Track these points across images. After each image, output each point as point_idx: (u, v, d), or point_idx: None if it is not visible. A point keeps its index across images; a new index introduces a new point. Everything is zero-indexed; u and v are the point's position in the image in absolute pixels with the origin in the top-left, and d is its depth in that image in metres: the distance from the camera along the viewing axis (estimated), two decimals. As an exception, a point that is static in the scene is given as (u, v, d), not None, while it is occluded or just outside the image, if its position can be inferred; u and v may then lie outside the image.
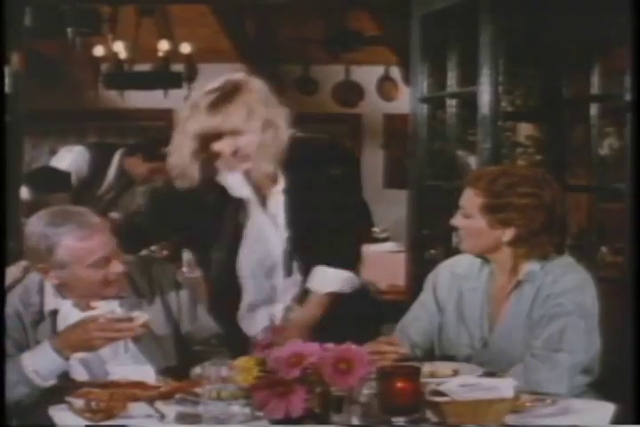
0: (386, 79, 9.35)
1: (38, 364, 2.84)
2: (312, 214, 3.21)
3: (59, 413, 2.60)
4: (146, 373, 2.88)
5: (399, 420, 2.41)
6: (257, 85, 3.15)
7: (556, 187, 2.97)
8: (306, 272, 3.26)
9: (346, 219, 3.25)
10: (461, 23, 4.31)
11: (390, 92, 9.31)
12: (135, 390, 2.60)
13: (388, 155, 9.23)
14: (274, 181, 3.21)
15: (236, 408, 2.45)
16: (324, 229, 3.20)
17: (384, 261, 5.60)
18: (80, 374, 2.95)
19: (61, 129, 8.74)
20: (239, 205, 3.24)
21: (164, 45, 7.59)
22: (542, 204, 2.91)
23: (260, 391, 2.39)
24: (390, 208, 5.54)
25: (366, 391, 2.45)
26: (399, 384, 2.39)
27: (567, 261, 3.00)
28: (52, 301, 3.02)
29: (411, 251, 4.57)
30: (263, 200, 3.25)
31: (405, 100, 4.89)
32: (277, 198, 3.23)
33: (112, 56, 7.61)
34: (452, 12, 4.33)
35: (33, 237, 2.96)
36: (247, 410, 2.45)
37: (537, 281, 2.94)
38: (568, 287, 2.89)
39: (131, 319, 2.81)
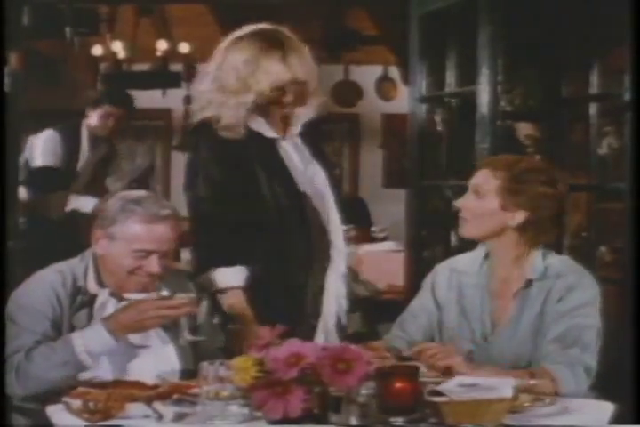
0: (385, 79, 9.35)
1: (90, 344, 2.85)
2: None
3: (56, 413, 2.59)
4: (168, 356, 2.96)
5: (398, 420, 2.40)
6: (291, 35, 3.44)
7: (565, 184, 3.05)
8: None
9: None
10: (460, 23, 4.31)
11: (389, 91, 9.31)
12: (133, 391, 2.59)
13: (387, 155, 9.23)
14: (288, 125, 3.46)
15: (234, 408, 2.44)
16: None
17: (383, 260, 5.60)
18: (104, 367, 2.94)
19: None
20: (273, 142, 3.42)
21: (162, 45, 7.59)
22: (556, 195, 2.97)
23: (258, 391, 2.39)
24: (389, 208, 5.55)
25: (365, 391, 2.44)
26: (398, 384, 2.39)
27: (568, 260, 3.04)
28: (93, 287, 3.03)
29: (410, 250, 4.57)
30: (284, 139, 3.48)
31: (404, 100, 4.88)
32: (295, 139, 3.46)
33: (110, 56, 7.61)
34: (450, 11, 4.33)
35: (110, 206, 3.01)
36: (245, 410, 2.45)
37: (546, 282, 2.95)
38: (588, 296, 2.93)
39: (179, 299, 2.86)
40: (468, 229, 3.02)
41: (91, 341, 2.85)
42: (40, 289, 2.99)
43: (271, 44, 3.34)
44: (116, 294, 3.02)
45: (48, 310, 2.95)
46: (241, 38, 3.36)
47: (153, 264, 2.96)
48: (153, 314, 2.85)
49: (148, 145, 9.70)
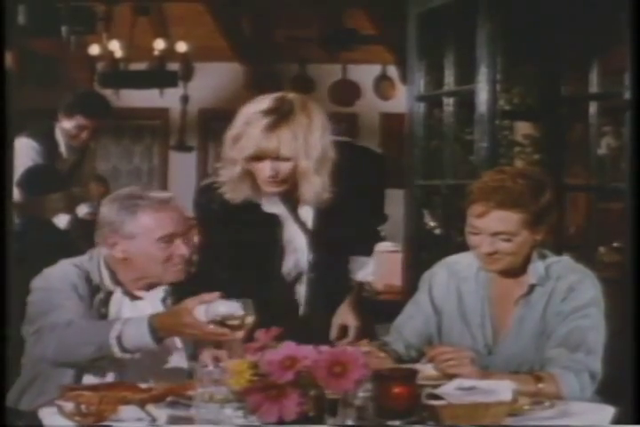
0: (383, 78, 9.35)
1: (126, 332, 2.81)
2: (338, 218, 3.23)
3: (48, 416, 2.57)
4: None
5: (395, 423, 2.38)
6: (313, 109, 3.12)
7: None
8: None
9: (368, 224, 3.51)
10: (459, 21, 4.29)
11: (387, 90, 9.30)
12: (126, 393, 2.56)
13: (385, 154, 9.22)
14: (300, 201, 3.23)
15: (229, 412, 2.42)
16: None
17: (380, 260, 5.56)
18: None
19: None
20: (273, 220, 3.24)
21: (159, 44, 7.60)
22: (554, 198, 2.94)
23: (253, 395, 2.36)
24: (387, 208, 5.51)
25: (362, 394, 2.41)
26: (395, 388, 2.37)
27: (568, 261, 3.01)
28: (108, 284, 3.04)
29: (407, 251, 4.55)
30: (294, 208, 3.24)
31: (402, 99, 4.87)
32: (307, 208, 3.24)
33: (107, 55, 7.62)
34: (449, 9, 4.31)
35: (108, 210, 3.01)
36: (240, 413, 2.43)
37: (547, 285, 2.92)
38: (591, 296, 2.90)
39: (235, 320, 2.73)
40: (504, 265, 2.93)
41: (128, 330, 2.82)
42: (59, 277, 3.00)
43: (273, 111, 3.05)
44: (129, 293, 3.04)
45: (62, 297, 2.95)
46: (255, 102, 3.11)
47: (181, 247, 2.98)
48: (190, 332, 2.79)
49: (145, 145, 9.70)
